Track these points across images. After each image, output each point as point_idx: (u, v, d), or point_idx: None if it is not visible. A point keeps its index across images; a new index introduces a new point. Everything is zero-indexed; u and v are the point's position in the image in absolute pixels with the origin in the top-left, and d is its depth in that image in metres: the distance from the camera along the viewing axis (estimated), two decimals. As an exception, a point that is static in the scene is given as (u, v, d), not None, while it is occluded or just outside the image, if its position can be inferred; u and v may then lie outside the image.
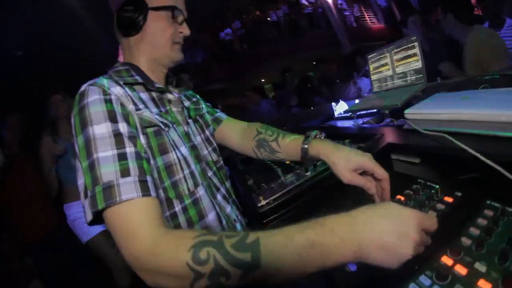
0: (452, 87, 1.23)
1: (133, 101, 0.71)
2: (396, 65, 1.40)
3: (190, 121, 0.93)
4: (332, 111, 2.19)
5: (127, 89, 0.73)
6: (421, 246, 0.43)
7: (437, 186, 0.63)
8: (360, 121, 1.47)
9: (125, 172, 0.57)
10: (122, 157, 0.59)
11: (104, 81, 0.69)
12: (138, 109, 0.71)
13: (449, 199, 0.59)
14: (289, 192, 0.85)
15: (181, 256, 0.45)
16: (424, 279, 0.45)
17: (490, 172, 0.56)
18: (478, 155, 0.60)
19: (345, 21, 10.00)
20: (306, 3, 10.69)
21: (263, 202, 0.85)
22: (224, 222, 0.82)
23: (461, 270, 0.44)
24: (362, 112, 1.55)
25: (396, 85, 1.41)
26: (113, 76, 0.76)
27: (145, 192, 0.56)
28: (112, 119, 0.62)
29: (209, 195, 0.82)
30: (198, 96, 1.06)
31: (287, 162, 1.22)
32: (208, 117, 1.03)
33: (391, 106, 1.17)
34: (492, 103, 0.74)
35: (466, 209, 0.55)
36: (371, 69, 1.60)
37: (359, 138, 1.01)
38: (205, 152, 0.92)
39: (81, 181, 0.59)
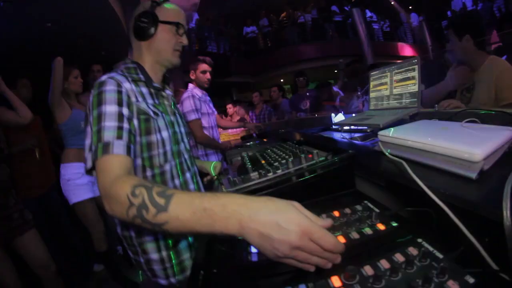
0: (447, 117, 1.19)
1: (135, 95, 0.98)
2: (394, 86, 1.37)
3: (177, 114, 1.20)
4: (331, 122, 2.16)
5: (133, 85, 0.99)
6: (314, 257, 0.47)
7: (377, 211, 0.61)
8: (349, 135, 1.44)
9: (119, 137, 0.82)
10: (120, 128, 0.84)
11: (120, 77, 0.96)
12: (137, 101, 0.97)
13: (381, 226, 0.58)
14: (248, 188, 0.89)
15: (125, 189, 0.65)
16: (302, 288, 0.45)
17: (440, 211, 0.54)
18: (426, 189, 0.57)
19: (373, 35, 9.82)
20: (337, 11, 10.54)
21: (224, 192, 0.91)
22: None
23: (343, 295, 0.43)
24: (353, 128, 1.52)
25: (391, 106, 1.38)
26: (125, 72, 1.02)
27: (128, 153, 0.82)
28: (120, 104, 0.89)
29: (178, 171, 1.10)
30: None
31: (262, 162, 1.22)
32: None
33: (373, 126, 1.14)
34: (463, 137, 0.71)
35: (391, 241, 0.52)
36: (371, 86, 1.58)
37: (334, 150, 1.00)
38: (185, 140, 1.20)
39: (88, 141, 0.85)
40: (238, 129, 4.00)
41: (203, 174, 1.48)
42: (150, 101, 1.03)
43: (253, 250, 0.58)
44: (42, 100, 2.36)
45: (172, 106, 1.18)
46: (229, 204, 0.52)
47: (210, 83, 2.79)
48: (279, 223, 0.47)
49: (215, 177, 1.40)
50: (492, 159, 0.67)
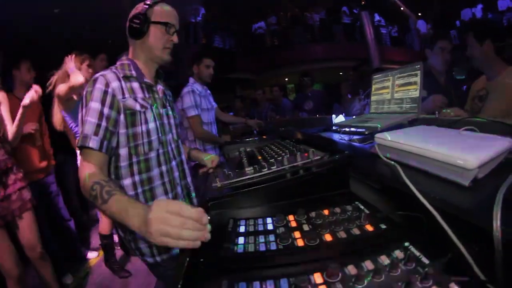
0: (447, 124, 1.18)
1: (123, 92, 1.09)
2: (396, 90, 1.36)
3: (168, 107, 1.31)
4: (331, 123, 2.15)
5: (123, 82, 1.11)
6: (183, 231, 0.58)
7: (366, 212, 0.60)
8: (348, 137, 1.43)
9: (96, 133, 0.99)
10: (98, 125, 1.00)
11: (110, 75, 1.09)
12: (123, 98, 1.09)
13: (369, 228, 0.57)
14: (241, 181, 0.91)
15: (89, 184, 0.88)
16: (284, 282, 0.46)
17: (430, 217, 0.53)
18: (417, 193, 0.56)
19: (381, 39, 9.76)
20: (347, 12, 10.46)
21: (218, 184, 0.94)
22: (166, 179, 1.21)
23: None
24: (353, 130, 1.51)
25: (391, 110, 1.37)
26: (118, 68, 1.14)
27: (100, 148, 0.99)
28: (103, 103, 1.03)
29: (164, 159, 1.21)
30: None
31: (259, 158, 1.22)
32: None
33: (372, 128, 1.13)
34: (459, 144, 0.70)
35: (378, 242, 0.52)
36: (373, 89, 1.57)
37: (331, 151, 0.99)
38: (173, 131, 1.30)
39: (80, 129, 1.02)
40: (239, 125, 3.99)
41: (200, 166, 1.48)
42: (140, 95, 1.15)
43: (240, 242, 0.58)
44: (43, 84, 2.36)
45: (164, 100, 1.29)
46: (139, 209, 0.72)
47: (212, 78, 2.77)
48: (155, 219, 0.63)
49: (211, 169, 1.41)
50: (488, 168, 0.66)
